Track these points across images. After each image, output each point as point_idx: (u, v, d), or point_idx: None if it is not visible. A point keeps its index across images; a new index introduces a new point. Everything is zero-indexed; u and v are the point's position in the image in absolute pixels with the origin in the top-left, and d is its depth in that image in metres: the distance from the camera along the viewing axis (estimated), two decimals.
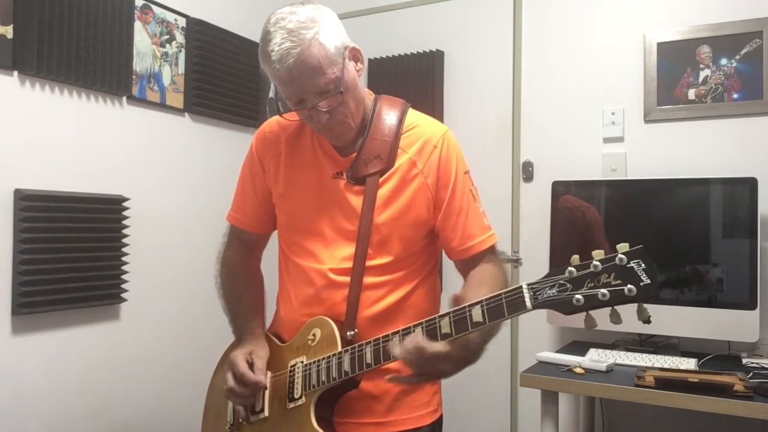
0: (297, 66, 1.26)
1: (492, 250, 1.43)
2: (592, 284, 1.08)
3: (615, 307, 1.08)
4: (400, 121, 1.43)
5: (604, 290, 1.07)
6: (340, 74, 1.30)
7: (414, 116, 1.46)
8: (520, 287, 1.13)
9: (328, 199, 1.41)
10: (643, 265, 1.06)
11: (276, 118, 1.53)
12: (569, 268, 1.10)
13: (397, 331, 1.24)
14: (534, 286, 1.12)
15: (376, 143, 1.40)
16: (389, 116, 1.43)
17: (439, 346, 1.17)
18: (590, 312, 1.11)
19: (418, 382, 1.27)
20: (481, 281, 1.36)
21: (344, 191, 1.40)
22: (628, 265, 1.06)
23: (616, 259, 1.07)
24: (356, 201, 1.38)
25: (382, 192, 1.38)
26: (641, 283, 1.05)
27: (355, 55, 1.37)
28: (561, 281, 1.10)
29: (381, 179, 1.38)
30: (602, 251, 1.09)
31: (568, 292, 1.10)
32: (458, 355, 1.20)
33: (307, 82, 1.28)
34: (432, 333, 1.19)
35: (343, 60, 1.32)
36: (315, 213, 1.42)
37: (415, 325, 1.22)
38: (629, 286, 1.05)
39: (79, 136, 2.16)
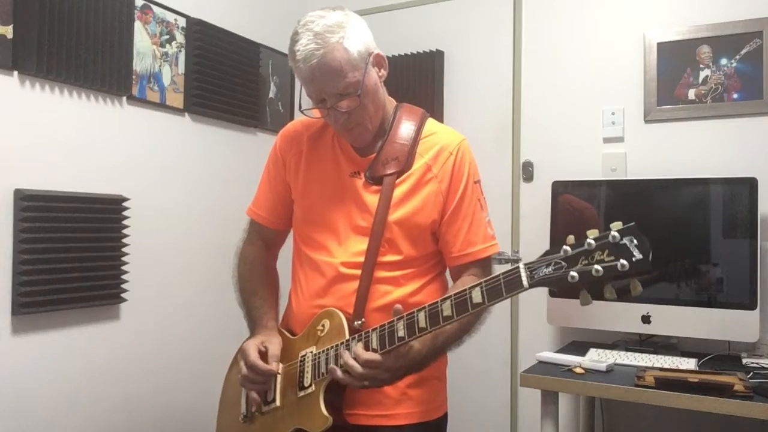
0: (319, 67, 1.33)
1: (486, 261, 1.48)
2: (586, 261, 1.11)
3: (609, 283, 1.11)
4: (419, 128, 1.50)
5: (597, 266, 1.10)
6: (361, 78, 1.37)
7: (432, 125, 1.53)
8: (517, 267, 1.17)
9: (344, 196, 1.46)
10: (635, 241, 1.09)
11: (301, 118, 1.59)
12: (564, 247, 1.14)
13: (402, 317, 1.28)
14: (530, 265, 1.16)
15: (395, 146, 1.46)
16: (409, 123, 1.50)
17: (371, 354, 1.27)
18: (585, 289, 1.13)
19: (360, 387, 1.32)
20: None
21: (361, 189, 1.45)
22: (621, 242, 1.09)
23: (609, 236, 1.10)
24: (372, 199, 1.44)
25: (398, 192, 1.43)
26: (634, 258, 1.08)
27: (379, 62, 1.44)
28: (556, 260, 1.14)
29: (397, 180, 1.44)
30: (596, 230, 1.12)
31: (563, 270, 1.13)
32: (392, 365, 1.28)
33: (328, 84, 1.35)
34: (434, 316, 1.24)
35: (365, 65, 1.38)
36: (331, 209, 1.47)
37: (419, 310, 1.26)
38: (622, 261, 1.08)
39: (79, 136, 2.16)
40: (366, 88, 1.38)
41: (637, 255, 1.08)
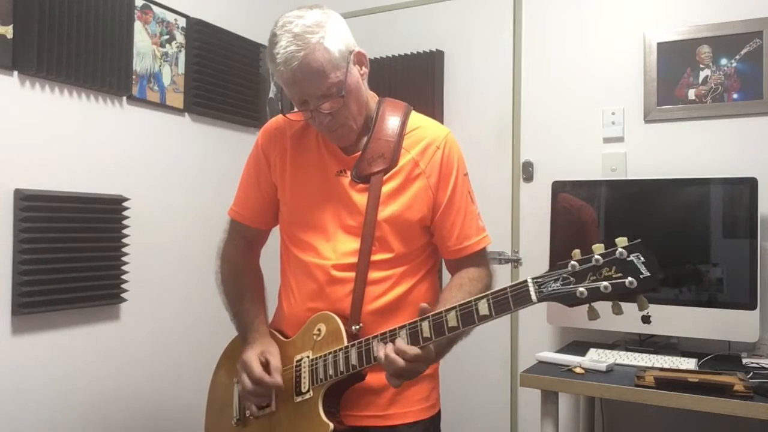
0: (300, 69, 1.31)
1: (482, 253, 1.48)
2: (594, 277, 1.12)
3: (616, 298, 1.12)
4: (404, 122, 1.47)
5: (606, 283, 1.11)
6: (344, 78, 1.35)
7: (417, 118, 1.51)
8: (525, 281, 1.17)
9: (331, 196, 1.45)
10: (642, 258, 1.09)
11: (281, 115, 1.56)
12: (572, 263, 1.14)
13: (404, 326, 1.27)
14: (538, 279, 1.17)
15: (380, 143, 1.44)
16: (393, 118, 1.47)
17: (417, 350, 1.24)
18: (593, 304, 1.14)
19: (397, 384, 1.29)
20: (462, 284, 1.42)
21: (348, 188, 1.43)
22: (628, 259, 1.10)
23: (617, 252, 1.11)
24: (360, 198, 1.42)
25: (386, 189, 1.42)
26: (641, 276, 1.09)
27: (360, 59, 1.42)
28: (564, 275, 1.14)
29: (385, 177, 1.42)
30: (602, 245, 1.13)
31: (571, 286, 1.14)
32: (429, 357, 1.27)
33: (310, 85, 1.33)
34: (438, 326, 1.24)
35: (347, 64, 1.36)
36: (318, 209, 1.46)
37: (422, 319, 1.25)
38: (630, 278, 1.09)
39: (79, 136, 2.16)
40: (348, 88, 1.36)
41: (645, 272, 1.09)
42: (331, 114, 1.36)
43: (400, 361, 1.23)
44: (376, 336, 1.30)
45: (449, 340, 1.33)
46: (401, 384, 1.28)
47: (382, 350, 1.25)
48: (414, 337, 1.25)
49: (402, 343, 1.24)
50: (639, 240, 1.11)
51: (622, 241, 1.11)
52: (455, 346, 1.41)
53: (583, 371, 1.97)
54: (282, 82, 1.36)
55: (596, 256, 1.12)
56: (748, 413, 1.70)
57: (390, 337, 1.28)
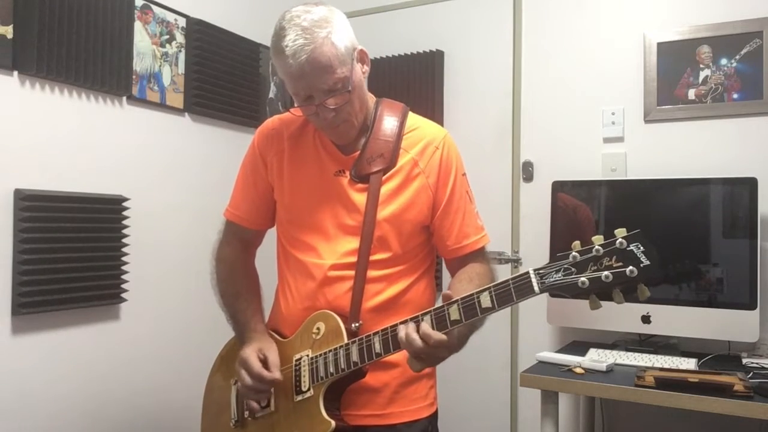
0: (309, 62, 1.31)
1: (482, 251, 1.49)
2: (595, 267, 1.14)
3: (617, 287, 1.13)
4: (402, 123, 1.48)
5: (607, 272, 1.12)
6: (349, 74, 1.36)
7: (414, 119, 1.52)
8: (527, 272, 1.18)
9: (330, 196, 1.45)
10: (642, 247, 1.11)
11: (278, 115, 1.57)
12: (573, 253, 1.15)
13: (405, 320, 1.27)
14: (540, 271, 1.17)
15: (379, 143, 1.44)
16: (391, 118, 1.48)
17: (442, 335, 1.22)
18: (594, 294, 1.15)
19: (418, 368, 1.28)
20: (471, 277, 1.42)
21: (347, 188, 1.44)
22: (628, 248, 1.12)
23: (617, 243, 1.12)
24: (359, 198, 1.42)
25: (385, 189, 1.42)
26: (641, 264, 1.10)
27: (363, 57, 1.43)
28: (566, 266, 1.16)
29: (384, 177, 1.42)
30: (602, 236, 1.14)
31: (573, 276, 1.15)
32: (452, 343, 1.26)
33: (317, 79, 1.33)
34: (441, 320, 1.23)
35: (352, 60, 1.37)
36: (317, 209, 1.46)
37: (424, 314, 1.25)
38: (630, 267, 1.11)
39: (79, 136, 2.16)
40: (353, 84, 1.37)
41: (645, 261, 1.10)
42: (336, 110, 1.37)
43: (419, 342, 1.21)
44: (377, 332, 1.31)
45: (469, 329, 1.32)
46: (421, 369, 1.27)
47: (402, 330, 1.25)
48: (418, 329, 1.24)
49: (426, 326, 1.23)
50: (638, 230, 1.13)
51: (621, 232, 1.13)
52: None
53: (583, 371, 1.97)
54: (288, 75, 1.35)
55: (597, 247, 1.13)
56: (747, 413, 1.70)
57: (391, 332, 1.28)
